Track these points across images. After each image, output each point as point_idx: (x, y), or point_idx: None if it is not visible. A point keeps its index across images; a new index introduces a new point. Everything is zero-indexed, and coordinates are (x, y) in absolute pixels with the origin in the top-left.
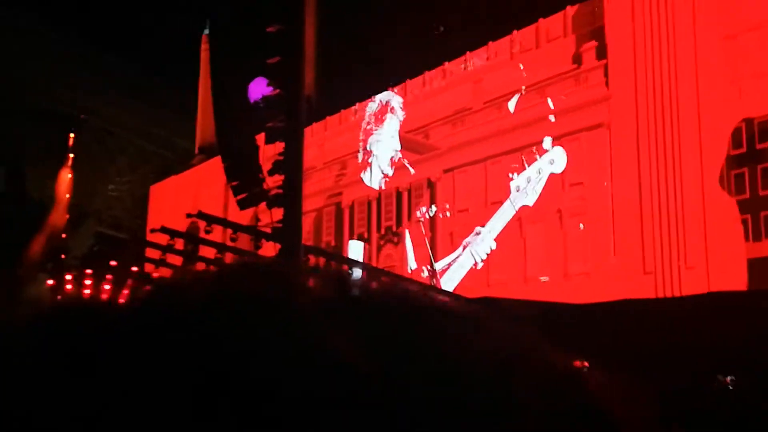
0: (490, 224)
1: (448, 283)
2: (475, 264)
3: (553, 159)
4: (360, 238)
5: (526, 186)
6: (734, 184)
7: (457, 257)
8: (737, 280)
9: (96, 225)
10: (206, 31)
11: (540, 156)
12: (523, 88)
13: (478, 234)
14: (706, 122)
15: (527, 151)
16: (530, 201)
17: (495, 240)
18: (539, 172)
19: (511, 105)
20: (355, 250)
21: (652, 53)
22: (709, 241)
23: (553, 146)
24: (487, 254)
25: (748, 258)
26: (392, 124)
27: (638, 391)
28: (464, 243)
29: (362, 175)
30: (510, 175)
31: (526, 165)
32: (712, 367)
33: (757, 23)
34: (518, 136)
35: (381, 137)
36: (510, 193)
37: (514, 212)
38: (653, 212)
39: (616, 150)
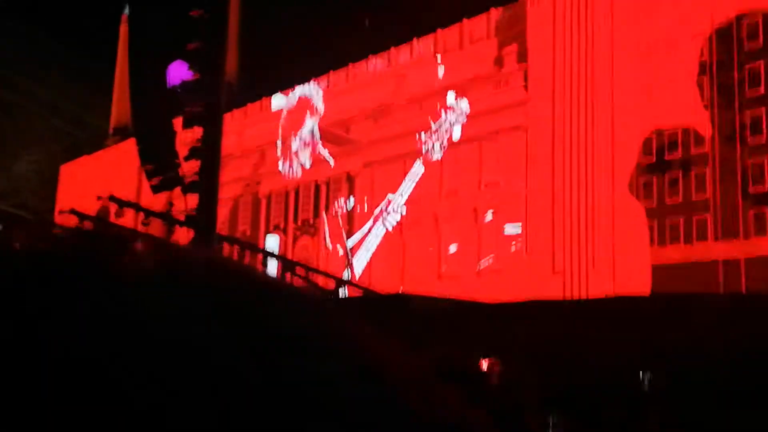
0: (401, 189)
1: (364, 253)
2: (387, 231)
3: (455, 107)
4: (276, 228)
5: (434, 139)
6: (643, 191)
7: (369, 229)
8: (641, 284)
9: (1, 204)
10: (126, 11)
11: (446, 112)
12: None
13: (389, 202)
14: (619, 130)
15: (431, 108)
16: (437, 155)
17: (406, 211)
18: (443, 123)
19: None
20: (271, 243)
21: (570, 60)
22: (616, 244)
23: (456, 99)
24: (398, 221)
25: (652, 263)
26: (312, 117)
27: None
28: (375, 213)
29: (280, 165)
30: (417, 135)
31: (432, 123)
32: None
33: (671, 39)
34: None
35: (301, 129)
36: (420, 154)
37: (423, 170)
38: (564, 214)
39: (532, 152)
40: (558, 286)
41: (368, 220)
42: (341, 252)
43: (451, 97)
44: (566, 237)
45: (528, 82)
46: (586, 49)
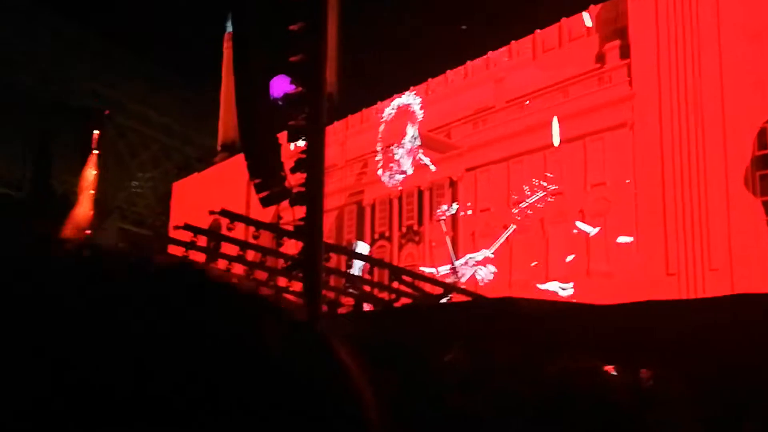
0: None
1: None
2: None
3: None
4: (381, 236)
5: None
6: (759, 185)
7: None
8: (763, 282)
9: (119, 221)
10: (229, 29)
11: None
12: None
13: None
14: (731, 122)
15: (564, 172)
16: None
17: (514, 240)
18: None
19: (555, 137)
20: (362, 251)
21: (676, 52)
22: (733, 242)
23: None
24: (489, 278)
25: None
26: (412, 125)
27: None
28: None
29: (380, 174)
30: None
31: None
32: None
33: None
34: (543, 135)
35: (402, 137)
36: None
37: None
38: (677, 213)
39: (639, 150)
40: (673, 289)
41: (471, 227)
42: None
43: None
44: (680, 237)
45: (632, 78)
46: (692, 40)
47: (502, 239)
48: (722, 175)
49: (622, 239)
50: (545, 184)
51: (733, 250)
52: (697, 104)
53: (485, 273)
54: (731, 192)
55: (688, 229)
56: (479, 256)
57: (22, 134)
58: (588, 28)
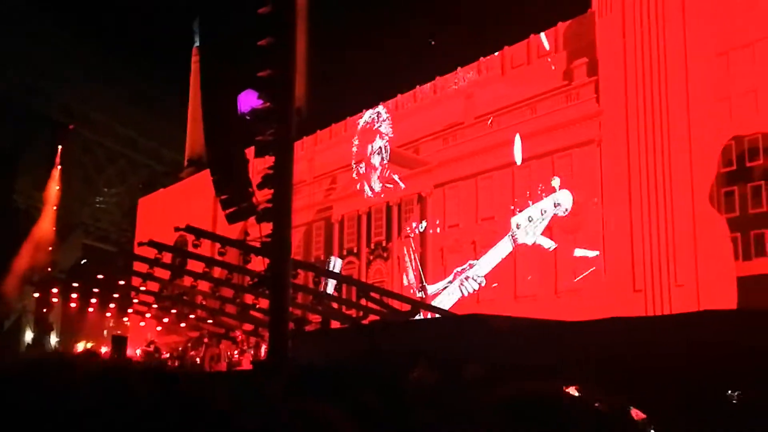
0: (485, 259)
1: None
2: (462, 296)
3: (559, 202)
4: (349, 252)
5: (527, 225)
6: (724, 202)
7: (445, 286)
8: (727, 299)
9: (83, 237)
10: (197, 43)
11: (546, 195)
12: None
13: (470, 266)
14: (697, 139)
15: (532, 188)
16: (529, 240)
17: (484, 276)
18: (542, 213)
19: (517, 155)
20: (337, 267)
21: (642, 69)
22: (699, 258)
23: (560, 188)
24: (475, 290)
25: (737, 276)
26: (380, 140)
27: None
28: (455, 271)
29: (350, 190)
30: (512, 207)
31: (530, 202)
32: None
33: (747, 40)
34: (510, 151)
35: (370, 153)
36: (510, 229)
37: (511, 249)
38: (643, 229)
39: (606, 166)
40: (640, 305)
41: (440, 243)
42: (412, 276)
43: (555, 182)
44: (646, 253)
45: (599, 95)
46: (658, 58)
47: (444, 284)
48: (688, 191)
49: (581, 252)
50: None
51: (699, 266)
52: (664, 120)
53: (470, 286)
54: (697, 208)
55: (654, 244)
56: (481, 269)
57: None
58: (550, 47)
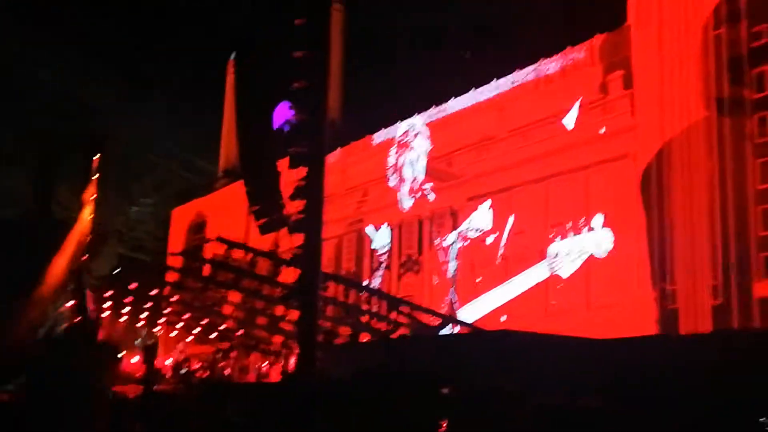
0: (519, 279)
1: (468, 315)
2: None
3: (598, 242)
4: (381, 266)
5: (565, 257)
6: (761, 217)
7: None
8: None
9: (117, 246)
10: (233, 56)
11: (588, 231)
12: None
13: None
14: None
15: (575, 219)
16: (564, 273)
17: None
18: (581, 249)
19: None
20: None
21: (679, 83)
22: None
23: (602, 227)
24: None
25: None
26: (415, 152)
27: None
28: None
29: (399, 196)
30: (551, 234)
31: (571, 233)
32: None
33: None
34: (545, 165)
35: (404, 165)
36: (547, 255)
37: (547, 276)
38: (677, 245)
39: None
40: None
41: (471, 257)
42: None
43: (598, 220)
44: (688, 267)
45: (635, 108)
46: (694, 71)
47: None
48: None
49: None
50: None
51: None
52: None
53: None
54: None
55: (697, 260)
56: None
57: (29, 157)
58: (592, 57)
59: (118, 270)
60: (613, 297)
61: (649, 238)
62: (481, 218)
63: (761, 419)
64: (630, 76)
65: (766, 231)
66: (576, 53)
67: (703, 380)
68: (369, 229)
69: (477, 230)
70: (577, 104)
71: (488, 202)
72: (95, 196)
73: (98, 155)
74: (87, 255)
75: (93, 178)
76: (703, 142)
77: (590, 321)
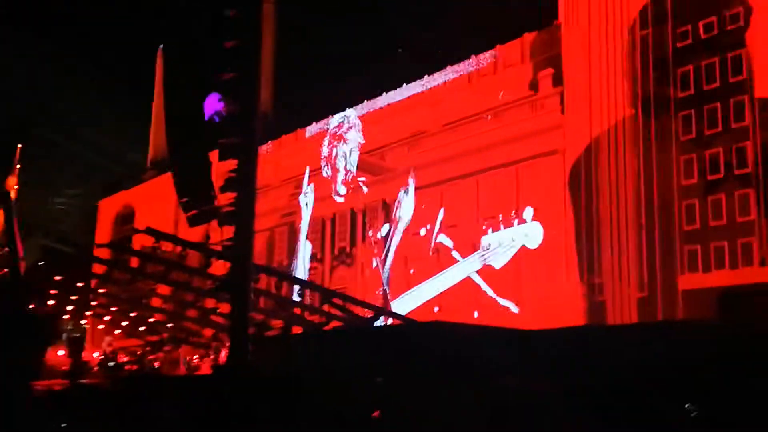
0: (452, 271)
1: (401, 307)
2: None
3: (529, 234)
4: (313, 258)
5: (497, 248)
6: (685, 215)
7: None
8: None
9: (42, 238)
10: (162, 46)
11: (518, 224)
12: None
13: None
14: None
15: (505, 212)
16: (497, 264)
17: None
18: (512, 241)
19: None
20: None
21: (607, 81)
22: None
23: (532, 219)
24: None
25: (694, 288)
26: (347, 145)
27: None
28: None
29: (306, 195)
30: (483, 226)
31: (502, 226)
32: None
33: None
34: (477, 159)
35: (336, 158)
36: (480, 247)
37: (479, 267)
38: (604, 239)
39: (569, 176)
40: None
41: (403, 251)
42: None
43: (528, 213)
44: (605, 264)
45: (564, 105)
46: (622, 70)
47: (464, 270)
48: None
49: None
50: None
51: (656, 273)
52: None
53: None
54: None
55: (615, 254)
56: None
57: None
58: (522, 55)
59: (42, 263)
60: (543, 289)
61: (576, 232)
62: (406, 206)
63: (686, 405)
64: (560, 74)
65: (690, 225)
66: (507, 50)
67: (628, 370)
68: (303, 223)
69: (402, 219)
70: (506, 100)
71: (411, 189)
72: (17, 187)
73: (20, 146)
74: (6, 248)
75: (15, 168)
76: (630, 139)
77: (521, 312)
